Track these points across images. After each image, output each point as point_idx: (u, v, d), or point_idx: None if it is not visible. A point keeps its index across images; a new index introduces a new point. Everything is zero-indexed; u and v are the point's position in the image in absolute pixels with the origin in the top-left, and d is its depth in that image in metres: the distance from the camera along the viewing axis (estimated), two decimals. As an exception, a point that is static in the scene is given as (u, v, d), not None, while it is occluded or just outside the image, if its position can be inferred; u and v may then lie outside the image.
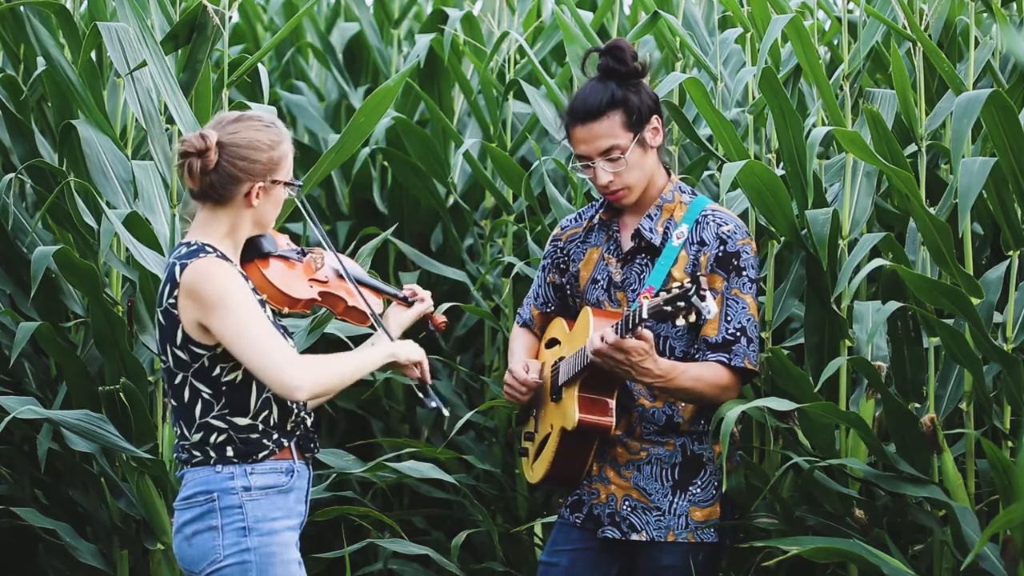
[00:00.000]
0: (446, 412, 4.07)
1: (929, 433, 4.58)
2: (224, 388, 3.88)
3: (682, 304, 4.02)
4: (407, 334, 4.25)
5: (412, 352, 4.03)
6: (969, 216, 4.53)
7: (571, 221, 4.62)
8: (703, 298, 3.99)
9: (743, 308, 4.37)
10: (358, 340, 5.03)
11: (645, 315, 4.09)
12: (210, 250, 3.89)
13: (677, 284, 4.06)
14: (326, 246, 4.10)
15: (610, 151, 4.35)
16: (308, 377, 3.82)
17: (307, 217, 4.03)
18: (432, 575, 5.85)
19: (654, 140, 4.39)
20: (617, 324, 4.20)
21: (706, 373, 4.34)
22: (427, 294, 4.23)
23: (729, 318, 4.36)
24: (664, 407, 4.40)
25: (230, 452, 3.90)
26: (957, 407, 4.69)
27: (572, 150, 4.43)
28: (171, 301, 3.88)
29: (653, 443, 4.41)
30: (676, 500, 4.41)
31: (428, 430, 6.52)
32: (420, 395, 4.07)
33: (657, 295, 4.09)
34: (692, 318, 4.03)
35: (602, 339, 4.19)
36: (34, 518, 5.23)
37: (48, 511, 5.39)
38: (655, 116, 4.38)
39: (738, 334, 4.36)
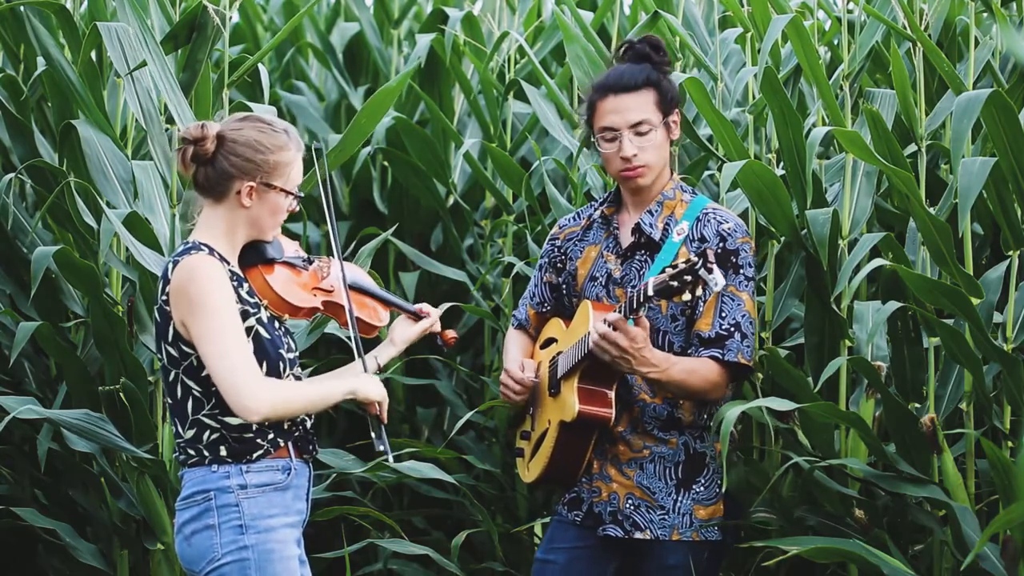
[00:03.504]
0: (390, 459, 4.08)
1: (929, 433, 4.58)
2: (213, 387, 3.89)
3: (689, 278, 4.03)
4: (413, 348, 4.25)
5: (373, 391, 4.02)
6: (969, 216, 4.53)
7: (569, 220, 4.63)
8: (710, 270, 4.00)
9: (738, 305, 4.38)
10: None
11: (651, 292, 4.09)
12: (203, 248, 3.90)
13: (683, 260, 4.06)
14: (336, 254, 4.09)
15: (641, 124, 4.38)
16: (264, 402, 3.83)
17: (328, 222, 4.02)
18: (432, 575, 5.85)
19: (674, 131, 4.43)
20: (622, 305, 4.20)
21: (698, 367, 4.34)
22: (435, 311, 4.23)
23: (724, 314, 4.37)
24: (664, 403, 4.40)
25: (223, 452, 3.91)
26: (957, 407, 4.69)
27: (591, 128, 4.41)
28: (163, 298, 3.90)
29: (656, 441, 4.42)
30: (680, 498, 4.41)
31: (428, 430, 6.52)
32: (372, 433, 4.06)
33: (663, 272, 4.10)
34: (699, 292, 4.03)
35: (606, 321, 4.19)
36: (34, 518, 5.23)
37: (48, 511, 5.38)
38: (677, 110, 4.43)
39: (732, 329, 4.36)
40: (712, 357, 4.35)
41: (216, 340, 3.83)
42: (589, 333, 4.25)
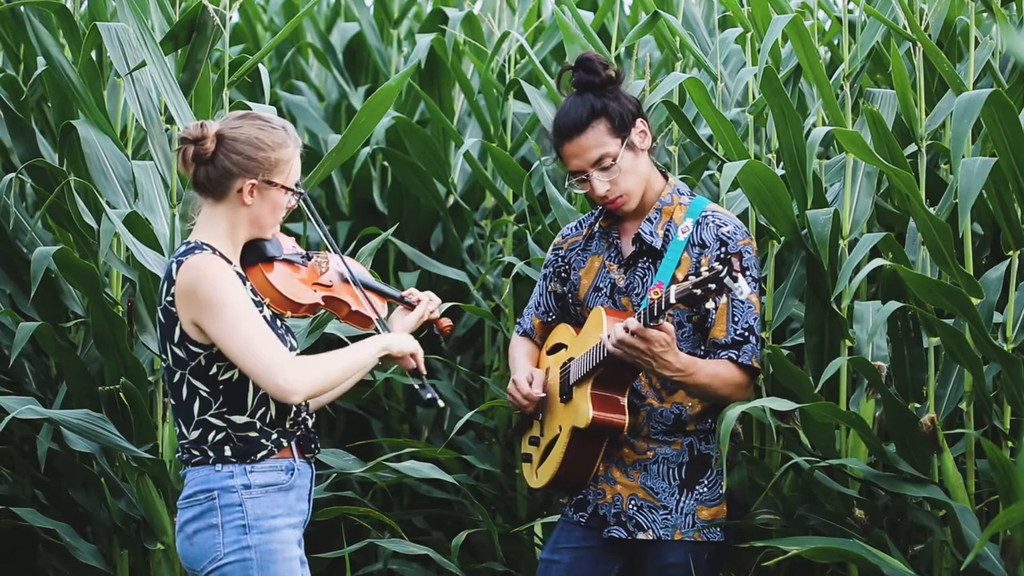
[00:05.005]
0: (442, 403, 4.04)
1: (929, 433, 4.58)
2: (221, 387, 3.89)
3: (713, 286, 4.01)
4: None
5: (405, 343, 4.03)
6: (969, 216, 4.53)
7: (572, 229, 4.63)
8: (735, 279, 3.98)
9: (749, 308, 4.38)
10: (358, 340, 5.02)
11: (673, 300, 4.08)
12: (206, 248, 3.90)
13: (706, 267, 4.05)
14: (332, 249, 4.09)
15: (601, 160, 4.36)
16: (303, 379, 3.83)
17: (312, 221, 4.02)
18: (432, 575, 5.85)
19: (643, 143, 4.40)
20: (641, 312, 4.19)
21: (722, 371, 4.35)
22: (430, 297, 4.22)
23: (736, 319, 4.37)
24: (672, 407, 4.40)
25: (228, 452, 3.91)
26: (957, 407, 4.69)
27: (565, 169, 4.44)
28: (168, 299, 3.90)
29: (660, 443, 4.42)
30: (683, 499, 4.41)
31: (428, 430, 6.52)
32: (416, 386, 4.05)
33: (685, 279, 4.09)
34: (723, 300, 4.01)
35: (626, 328, 4.18)
36: (34, 518, 5.23)
37: (48, 511, 5.39)
38: (639, 120, 4.40)
39: (747, 334, 4.37)
40: (728, 358, 4.35)
41: (237, 334, 3.82)
42: (606, 338, 4.24)
